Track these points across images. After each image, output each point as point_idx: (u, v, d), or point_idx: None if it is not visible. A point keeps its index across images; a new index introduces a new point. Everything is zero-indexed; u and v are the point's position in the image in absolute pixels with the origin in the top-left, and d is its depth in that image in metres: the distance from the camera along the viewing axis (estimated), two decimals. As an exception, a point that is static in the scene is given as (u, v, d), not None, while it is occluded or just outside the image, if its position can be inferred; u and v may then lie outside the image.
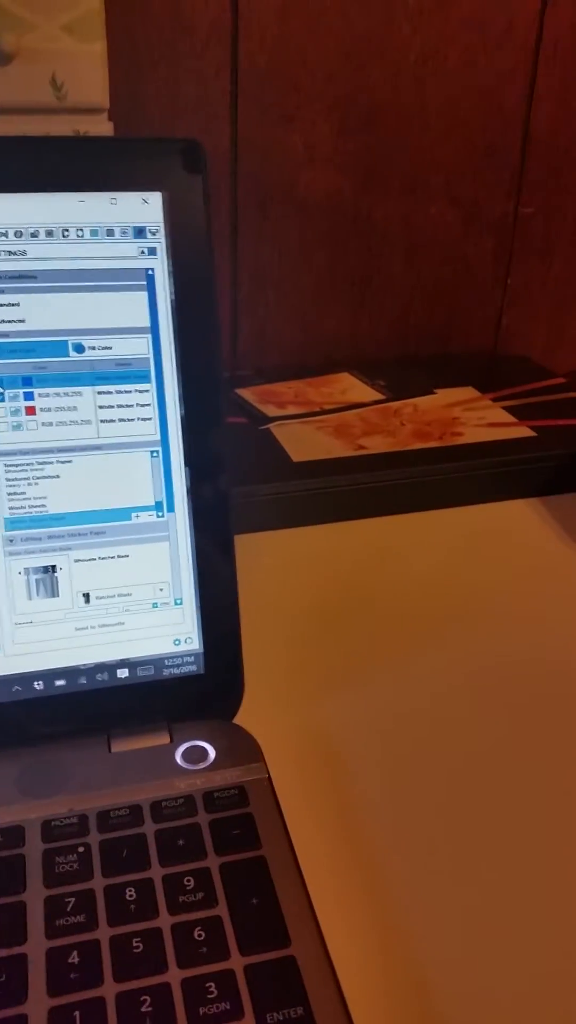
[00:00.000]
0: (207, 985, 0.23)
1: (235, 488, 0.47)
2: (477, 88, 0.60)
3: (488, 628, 0.40)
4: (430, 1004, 0.24)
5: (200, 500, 0.31)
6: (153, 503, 0.31)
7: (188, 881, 0.26)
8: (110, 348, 0.30)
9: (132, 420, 0.31)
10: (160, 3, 0.52)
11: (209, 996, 0.22)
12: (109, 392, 0.30)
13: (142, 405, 0.31)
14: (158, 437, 0.31)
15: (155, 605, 0.31)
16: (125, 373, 0.30)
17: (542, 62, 0.61)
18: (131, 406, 0.30)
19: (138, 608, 0.31)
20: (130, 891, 0.25)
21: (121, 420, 0.30)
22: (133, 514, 0.31)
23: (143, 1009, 0.22)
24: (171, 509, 0.31)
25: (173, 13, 0.53)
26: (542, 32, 0.60)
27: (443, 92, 0.60)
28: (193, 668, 0.31)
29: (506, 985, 0.25)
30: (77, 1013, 0.22)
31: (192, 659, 0.31)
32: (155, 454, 0.31)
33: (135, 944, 0.24)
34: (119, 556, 0.31)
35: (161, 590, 0.31)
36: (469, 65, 0.59)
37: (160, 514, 0.31)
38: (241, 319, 0.63)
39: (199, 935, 0.24)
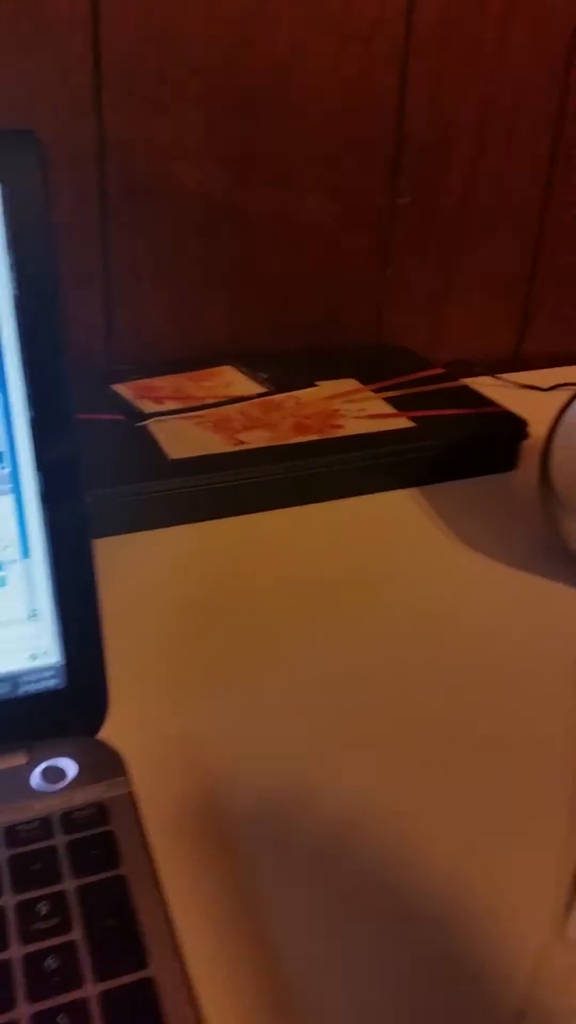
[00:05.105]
0: (58, 1018, 0.22)
1: (109, 488, 0.46)
2: (349, 79, 0.60)
3: (367, 622, 0.40)
4: None
5: (54, 507, 0.30)
6: (3, 512, 0.30)
7: (43, 907, 0.25)
8: (-52, 349, 0.28)
9: (-25, 425, 0.29)
10: (15, -13, 0.50)
11: (60, 1029, 0.21)
12: (-52, 396, 0.29)
13: (-15, 409, 0.29)
14: (6, 443, 0.29)
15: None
16: (-35, 376, 0.29)
17: (412, 53, 0.61)
18: (-27, 410, 0.29)
19: (-9, 623, 0.30)
20: (-21, 923, 0.24)
21: (-37, 426, 0.29)
22: (-18, 524, 0.29)
23: (-12, 1050, 0.21)
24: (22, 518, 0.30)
25: (29, 2, 0.51)
26: (411, 23, 0.60)
27: (314, 83, 0.59)
28: (53, 683, 0.30)
29: (374, 1013, 0.25)
30: None
31: (51, 674, 0.30)
32: (1, 460, 0.29)
33: (-17, 980, 0.23)
34: (-32, 569, 0.29)
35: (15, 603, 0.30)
36: (340, 56, 0.59)
37: (11, 523, 0.30)
38: (116, 312, 0.61)
39: (52, 964, 0.23)
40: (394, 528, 0.48)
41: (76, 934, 0.24)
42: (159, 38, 0.54)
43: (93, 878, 0.25)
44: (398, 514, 0.49)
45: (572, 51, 0.65)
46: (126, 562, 0.44)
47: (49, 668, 0.30)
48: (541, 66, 0.65)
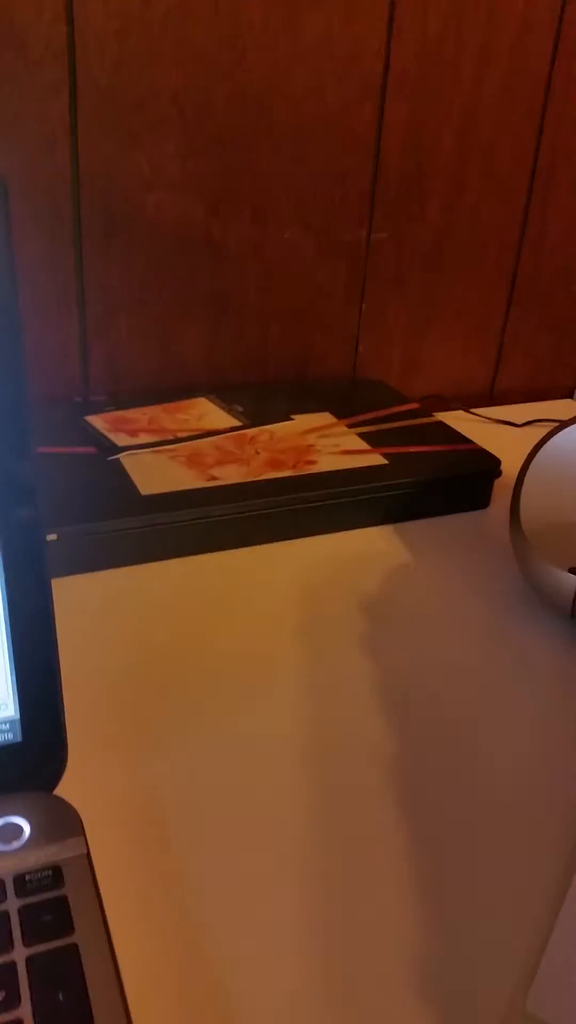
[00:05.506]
0: None
1: (77, 525, 0.45)
2: (326, 113, 0.60)
3: (338, 664, 0.39)
4: None
5: (11, 552, 0.29)
6: (-40, 561, 0.29)
7: (-9, 979, 0.24)
8: None
9: None
10: (-10, 16, 0.50)
11: None
12: None
13: (-57, 457, 0.28)
14: (-36, 490, 0.29)
15: (-34, 670, 0.29)
16: None
17: (390, 88, 0.61)
18: None
19: (-53, 674, 0.29)
20: None
21: None
22: None
23: None
24: (-18, 566, 0.29)
25: (2, 29, 0.50)
26: (389, 59, 0.60)
27: (291, 116, 0.59)
28: (8, 737, 0.29)
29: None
30: None
31: (7, 727, 0.29)
32: (-39, 509, 0.29)
33: None
34: None
35: (-27, 653, 0.29)
36: (317, 90, 0.59)
37: (-31, 573, 0.29)
38: (92, 343, 0.61)
39: (-3, 1045, 0.22)
40: (366, 566, 0.48)
41: (23, 1011, 0.23)
42: (136, 70, 0.54)
43: (45, 947, 0.24)
44: (370, 552, 0.49)
45: (550, 86, 0.66)
46: (92, 602, 0.43)
47: (4, 721, 0.29)
48: (519, 102, 0.65)
